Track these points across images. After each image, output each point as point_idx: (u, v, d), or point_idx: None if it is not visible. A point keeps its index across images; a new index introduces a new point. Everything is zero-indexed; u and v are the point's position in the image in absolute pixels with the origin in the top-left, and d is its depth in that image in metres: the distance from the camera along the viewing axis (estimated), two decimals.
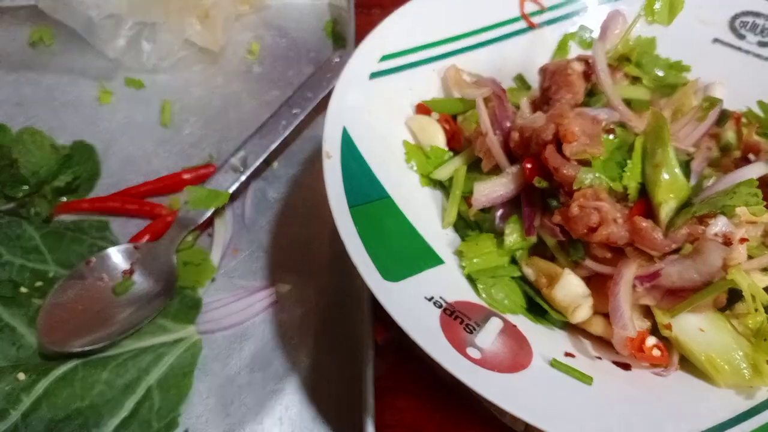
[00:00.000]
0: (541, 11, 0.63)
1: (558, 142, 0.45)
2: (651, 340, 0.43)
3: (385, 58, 0.55)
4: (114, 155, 0.66)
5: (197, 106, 0.72)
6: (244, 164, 0.62)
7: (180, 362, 0.50)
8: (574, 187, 0.44)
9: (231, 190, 0.61)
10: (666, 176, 0.44)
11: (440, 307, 0.42)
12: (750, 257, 0.46)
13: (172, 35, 0.72)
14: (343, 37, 0.79)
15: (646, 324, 0.45)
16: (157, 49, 0.72)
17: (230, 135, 0.69)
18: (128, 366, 0.49)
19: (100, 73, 0.73)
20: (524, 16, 0.62)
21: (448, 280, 0.45)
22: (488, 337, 0.41)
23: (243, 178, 0.62)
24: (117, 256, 0.55)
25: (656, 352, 0.43)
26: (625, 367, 0.44)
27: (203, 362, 0.52)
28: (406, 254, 0.45)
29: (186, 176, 0.64)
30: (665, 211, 0.44)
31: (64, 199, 0.61)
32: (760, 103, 0.56)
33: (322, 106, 0.67)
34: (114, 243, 0.59)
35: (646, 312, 0.45)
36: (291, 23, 0.81)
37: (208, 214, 0.59)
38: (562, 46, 0.63)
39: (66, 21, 0.70)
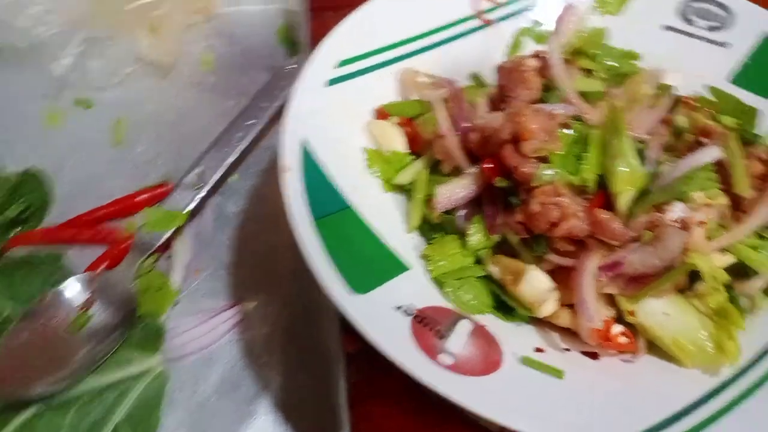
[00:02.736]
0: (495, 7, 0.63)
1: (516, 140, 0.45)
2: (617, 328, 0.44)
3: (342, 63, 0.54)
4: (64, 180, 0.63)
5: (150, 122, 0.69)
6: (201, 180, 0.61)
7: (146, 396, 0.48)
8: (533, 185, 0.44)
9: (189, 209, 0.59)
10: (623, 167, 0.45)
11: (411, 314, 0.41)
12: (708, 239, 0.47)
13: (121, 50, 0.69)
14: (297, 42, 0.77)
15: (612, 312, 0.46)
16: (106, 65, 0.70)
17: (186, 150, 0.67)
18: (92, 406, 0.47)
19: (46, 92, 0.70)
20: (478, 14, 0.62)
21: (416, 286, 0.45)
22: (459, 340, 0.41)
23: (201, 194, 0.60)
24: (71, 290, 0.53)
25: (623, 340, 0.44)
26: (593, 356, 0.44)
27: (171, 392, 0.50)
28: (372, 264, 0.44)
29: (141, 197, 0.61)
30: (624, 200, 0.45)
31: (13, 232, 0.58)
32: (712, 88, 0.58)
33: (279, 114, 0.66)
34: (70, 275, 0.55)
35: (611, 300, 0.46)
36: (243, 30, 0.79)
37: (167, 235, 0.57)
38: (517, 43, 0.63)
39: (7, 38, 0.67)
